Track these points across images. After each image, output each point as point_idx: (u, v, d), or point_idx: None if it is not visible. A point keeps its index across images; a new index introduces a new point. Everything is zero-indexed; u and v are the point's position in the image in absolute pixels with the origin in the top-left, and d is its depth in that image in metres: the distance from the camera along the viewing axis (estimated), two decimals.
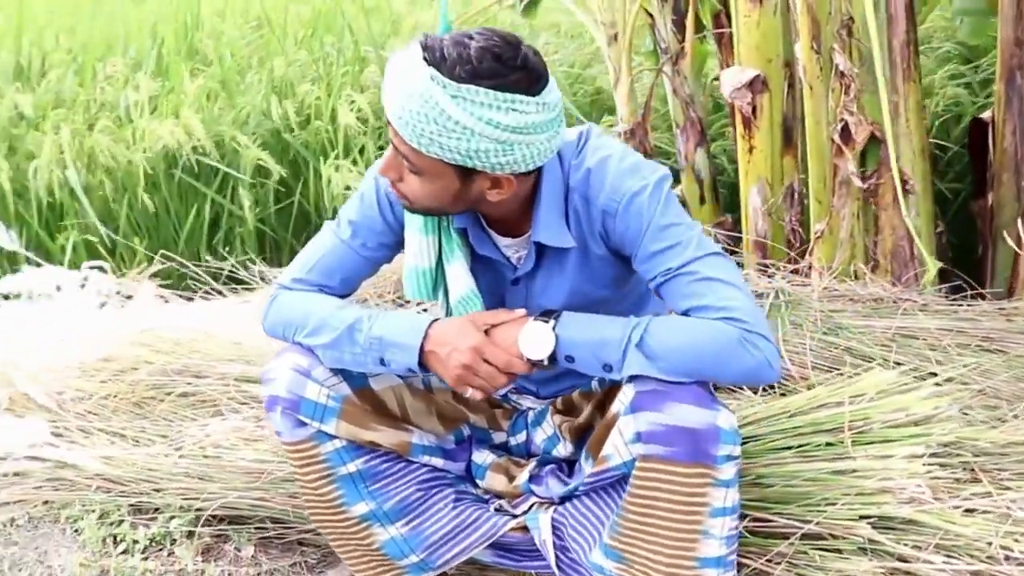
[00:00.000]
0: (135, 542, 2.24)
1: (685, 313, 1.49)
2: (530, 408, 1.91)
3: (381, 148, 3.55)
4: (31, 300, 3.07)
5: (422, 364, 1.57)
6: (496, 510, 1.85)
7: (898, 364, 2.27)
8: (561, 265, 1.64)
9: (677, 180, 3.29)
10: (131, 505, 2.33)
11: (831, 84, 2.51)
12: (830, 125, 2.55)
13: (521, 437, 1.90)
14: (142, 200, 3.37)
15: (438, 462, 1.83)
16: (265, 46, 4.07)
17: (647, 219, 1.51)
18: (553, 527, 1.75)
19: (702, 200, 3.19)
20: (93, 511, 2.32)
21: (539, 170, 1.55)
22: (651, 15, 3.07)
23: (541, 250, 1.63)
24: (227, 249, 3.49)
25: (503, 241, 1.66)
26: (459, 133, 1.38)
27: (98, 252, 3.39)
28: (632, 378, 1.49)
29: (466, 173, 1.47)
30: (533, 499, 1.81)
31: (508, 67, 1.38)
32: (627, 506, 1.56)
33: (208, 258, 3.23)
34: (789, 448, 1.86)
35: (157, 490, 2.32)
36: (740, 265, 2.82)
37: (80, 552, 2.23)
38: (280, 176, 3.53)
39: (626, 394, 1.51)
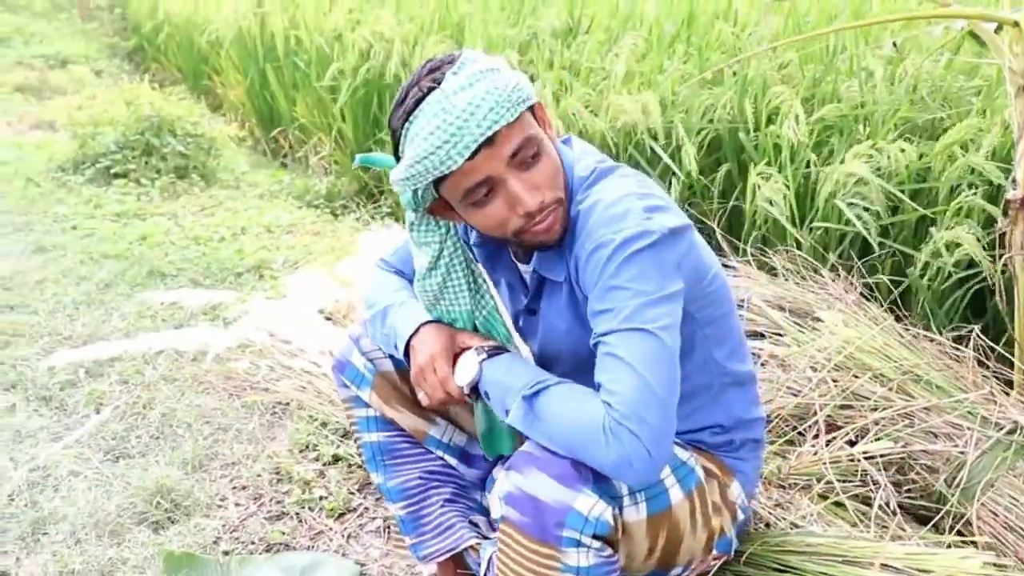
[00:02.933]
0: (323, 455, 2.61)
1: (598, 386, 1.49)
2: None
3: (827, 162, 3.27)
4: None
5: (407, 355, 1.75)
6: (471, 523, 1.99)
7: None
8: (558, 301, 1.69)
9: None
10: (344, 425, 2.71)
11: None
12: None
13: None
14: None
15: (452, 461, 2.00)
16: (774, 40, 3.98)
17: (598, 276, 1.51)
18: (490, 563, 1.81)
19: None
20: (316, 420, 2.76)
21: None
22: None
23: (542, 280, 1.70)
24: None
25: (524, 267, 1.77)
26: (505, 76, 1.49)
27: None
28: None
29: (535, 117, 1.56)
30: None
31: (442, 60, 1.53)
32: (495, 568, 1.58)
33: None
34: None
35: None
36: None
37: (276, 446, 2.68)
38: (727, 173, 3.51)
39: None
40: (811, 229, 3.15)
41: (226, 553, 2.28)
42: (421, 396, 1.72)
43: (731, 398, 1.76)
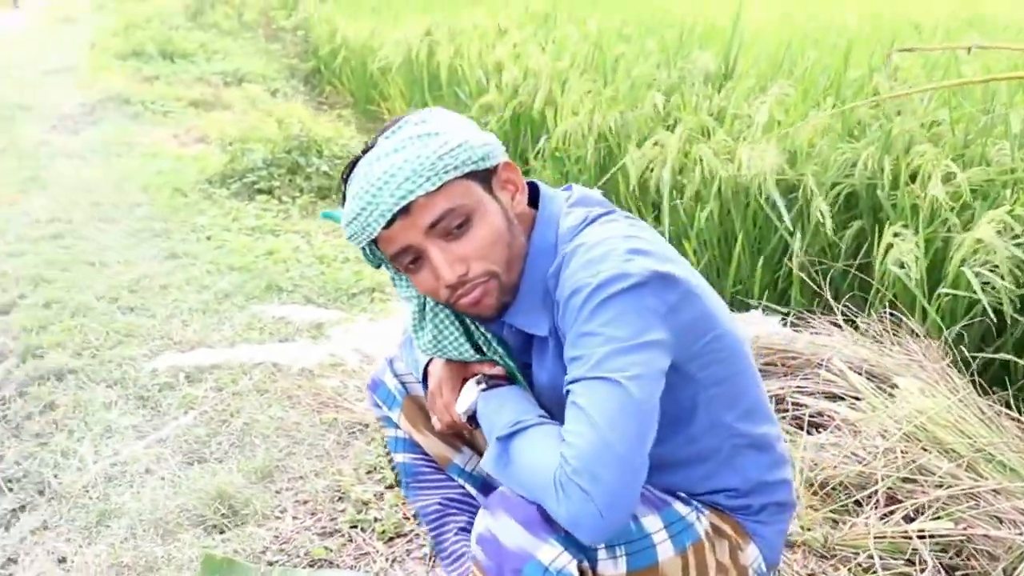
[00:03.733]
0: (385, 478, 2.69)
1: None
2: None
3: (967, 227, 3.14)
4: None
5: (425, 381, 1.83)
6: None
7: None
8: (545, 355, 1.67)
9: None
10: None
11: None
12: None
13: None
14: (713, 215, 3.64)
15: (472, 490, 2.03)
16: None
17: (572, 321, 1.49)
18: None
19: None
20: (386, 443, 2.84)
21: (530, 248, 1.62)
22: None
23: (529, 335, 1.69)
24: (776, 286, 3.56)
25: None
26: (441, 141, 1.50)
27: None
28: None
29: (484, 182, 1.56)
30: None
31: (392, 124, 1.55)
32: None
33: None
34: None
35: None
36: None
37: (344, 464, 2.78)
38: (859, 231, 3.42)
39: None
40: (938, 295, 3.03)
41: (270, 564, 2.37)
42: (433, 421, 1.77)
43: (747, 461, 1.69)
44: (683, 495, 1.69)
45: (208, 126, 7.43)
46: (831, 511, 2.09)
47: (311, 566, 2.37)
